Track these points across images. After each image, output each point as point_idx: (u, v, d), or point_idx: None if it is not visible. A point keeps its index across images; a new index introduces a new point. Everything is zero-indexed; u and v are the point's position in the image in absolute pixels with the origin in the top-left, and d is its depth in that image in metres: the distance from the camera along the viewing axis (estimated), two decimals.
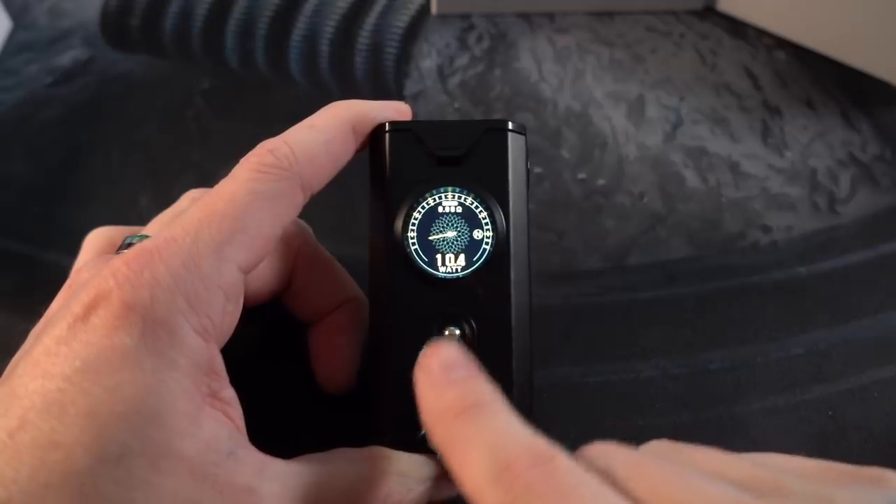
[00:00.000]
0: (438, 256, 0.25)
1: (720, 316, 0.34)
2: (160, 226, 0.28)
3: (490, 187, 0.26)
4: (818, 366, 0.33)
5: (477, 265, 0.25)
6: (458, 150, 0.26)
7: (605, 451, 0.19)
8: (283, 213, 0.23)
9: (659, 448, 0.21)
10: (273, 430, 0.23)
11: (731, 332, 0.34)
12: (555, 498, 0.17)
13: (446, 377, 0.20)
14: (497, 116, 0.41)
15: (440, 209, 0.26)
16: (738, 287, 0.35)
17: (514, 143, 0.26)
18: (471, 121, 0.40)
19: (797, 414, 0.32)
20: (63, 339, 0.20)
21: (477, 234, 0.26)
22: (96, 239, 0.28)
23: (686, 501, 0.17)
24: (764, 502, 0.17)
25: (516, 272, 0.26)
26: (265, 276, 0.28)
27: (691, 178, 0.39)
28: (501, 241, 0.26)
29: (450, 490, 0.25)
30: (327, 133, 0.25)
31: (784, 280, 0.36)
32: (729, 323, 0.34)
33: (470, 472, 0.18)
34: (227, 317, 0.22)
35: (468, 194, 0.26)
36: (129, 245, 0.27)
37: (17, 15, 0.46)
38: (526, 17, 0.46)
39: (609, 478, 0.18)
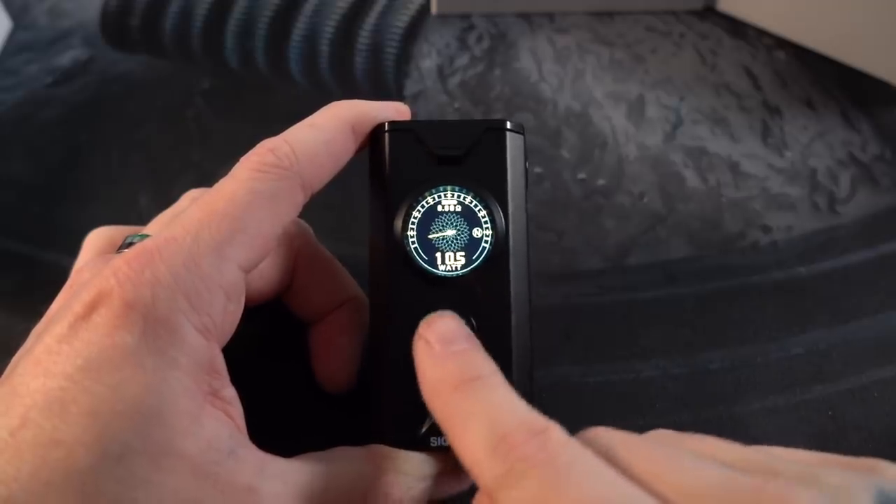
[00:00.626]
0: (438, 255, 0.26)
1: (720, 316, 0.34)
2: (160, 226, 0.28)
3: (489, 186, 0.26)
4: (818, 366, 0.33)
5: (476, 263, 0.25)
6: (458, 150, 0.26)
7: (605, 433, 0.20)
8: (283, 213, 0.23)
9: (658, 435, 0.21)
10: (274, 430, 0.23)
11: (731, 332, 0.34)
12: (549, 470, 0.17)
13: (445, 349, 0.21)
14: (497, 116, 0.42)
15: (440, 208, 0.26)
16: (738, 287, 0.35)
17: (513, 143, 0.26)
18: (470, 120, 0.40)
19: (797, 414, 0.32)
20: (64, 338, 0.20)
21: (476, 232, 0.26)
22: (96, 239, 0.28)
23: (680, 479, 0.17)
24: (754, 480, 0.17)
25: (516, 270, 0.26)
26: (266, 275, 0.28)
27: (691, 178, 0.39)
28: (501, 240, 0.26)
29: (450, 488, 0.25)
30: (328, 132, 0.25)
31: (784, 280, 0.36)
32: (729, 323, 0.34)
33: (468, 443, 0.19)
34: (228, 316, 0.22)
35: (467, 193, 0.26)
36: (130, 245, 0.27)
37: (17, 15, 0.46)
38: (526, 17, 0.46)
39: (605, 455, 0.18)
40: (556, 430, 0.18)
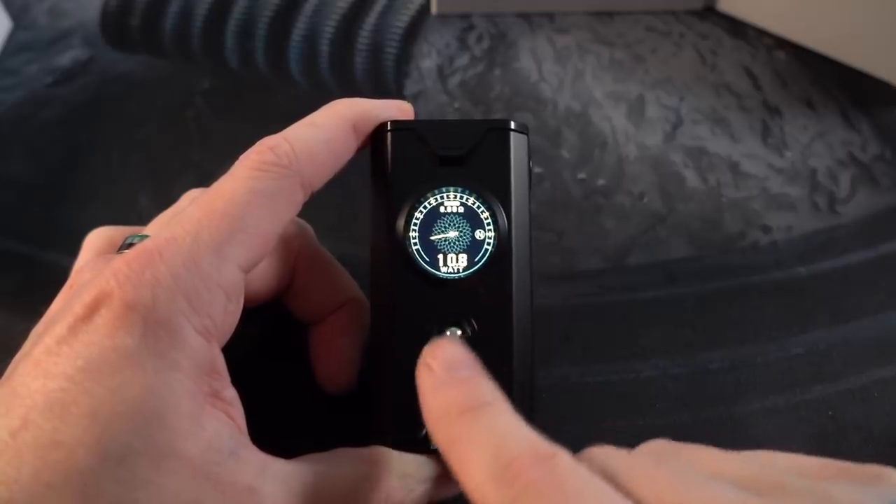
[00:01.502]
0: (440, 257, 0.25)
1: (720, 316, 0.34)
2: (160, 226, 0.28)
3: (492, 187, 0.26)
4: (818, 366, 0.33)
5: (479, 266, 0.25)
6: (460, 150, 0.26)
7: (605, 454, 0.19)
8: (282, 212, 0.23)
9: (657, 448, 0.21)
10: (274, 430, 0.23)
11: (731, 332, 0.34)
12: (556, 496, 0.17)
13: (449, 376, 0.20)
14: (497, 116, 0.41)
15: (442, 209, 0.26)
16: (738, 287, 0.35)
17: (517, 143, 0.26)
18: (473, 120, 0.40)
19: (797, 414, 0.32)
20: (64, 339, 0.20)
21: (479, 234, 0.26)
22: (96, 239, 0.28)
23: (687, 502, 0.17)
24: (763, 501, 0.17)
25: (518, 273, 0.26)
26: (265, 275, 0.28)
27: (691, 178, 0.39)
28: (503, 242, 0.25)
29: (450, 490, 0.25)
30: (328, 131, 0.25)
31: (784, 280, 0.36)
32: (729, 323, 0.34)
33: (471, 470, 0.18)
34: (228, 316, 0.22)
35: (470, 194, 0.26)
36: (130, 245, 0.27)
37: (17, 15, 0.46)
38: (526, 17, 0.46)
39: (610, 479, 0.18)
40: (563, 456, 0.18)
